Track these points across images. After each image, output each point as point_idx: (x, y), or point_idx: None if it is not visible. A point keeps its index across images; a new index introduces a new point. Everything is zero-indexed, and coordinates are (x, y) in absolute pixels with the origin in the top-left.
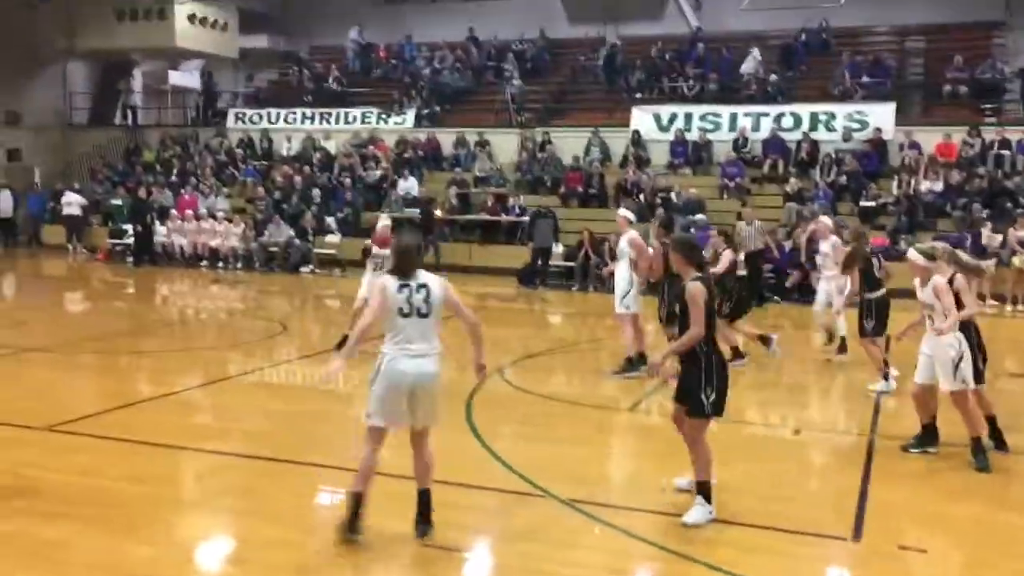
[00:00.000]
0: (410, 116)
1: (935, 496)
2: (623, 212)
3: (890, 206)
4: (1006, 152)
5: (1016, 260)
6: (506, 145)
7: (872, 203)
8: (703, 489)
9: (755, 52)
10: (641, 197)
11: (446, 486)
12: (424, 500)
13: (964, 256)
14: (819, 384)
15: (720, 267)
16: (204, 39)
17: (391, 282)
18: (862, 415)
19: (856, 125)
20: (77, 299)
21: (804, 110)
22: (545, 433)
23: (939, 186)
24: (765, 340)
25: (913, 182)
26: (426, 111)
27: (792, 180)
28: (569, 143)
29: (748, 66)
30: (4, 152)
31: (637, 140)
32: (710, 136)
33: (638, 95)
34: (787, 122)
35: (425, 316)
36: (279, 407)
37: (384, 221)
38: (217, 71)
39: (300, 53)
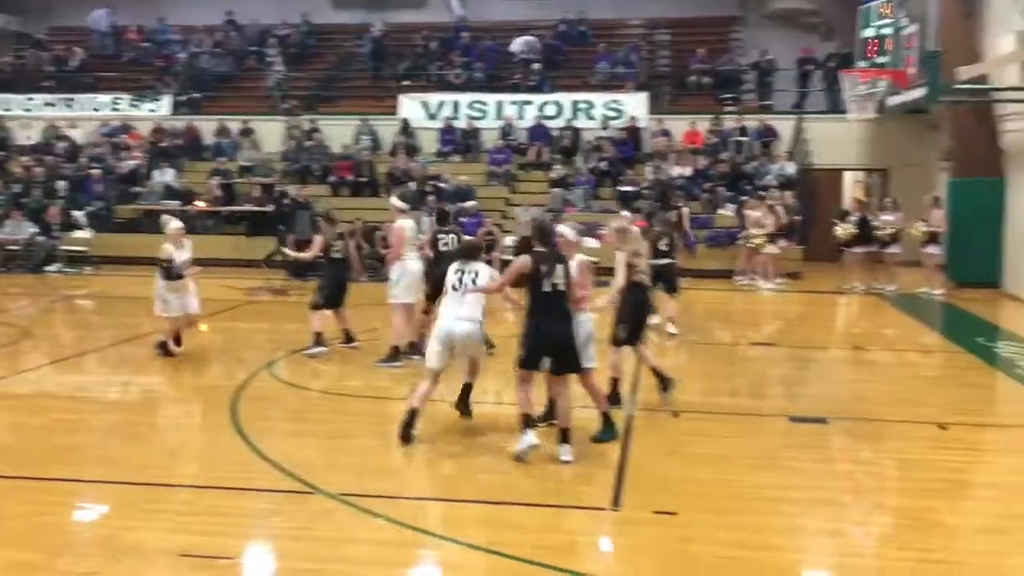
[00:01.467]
0: (166, 103)
1: (686, 462)
2: (394, 201)
3: (645, 190)
4: (744, 139)
5: (756, 239)
6: (271, 133)
7: (629, 188)
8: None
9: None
10: (412, 185)
11: (209, 491)
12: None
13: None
14: None
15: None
16: None
17: None
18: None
19: (613, 114)
20: None
21: (565, 99)
22: (316, 428)
23: (688, 171)
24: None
25: (664, 167)
26: (183, 97)
27: (556, 167)
28: (337, 131)
29: (517, 46)
30: None
31: (406, 128)
32: (477, 124)
33: (405, 83)
34: (550, 110)
35: None
36: (25, 420)
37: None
38: None
39: (38, 34)
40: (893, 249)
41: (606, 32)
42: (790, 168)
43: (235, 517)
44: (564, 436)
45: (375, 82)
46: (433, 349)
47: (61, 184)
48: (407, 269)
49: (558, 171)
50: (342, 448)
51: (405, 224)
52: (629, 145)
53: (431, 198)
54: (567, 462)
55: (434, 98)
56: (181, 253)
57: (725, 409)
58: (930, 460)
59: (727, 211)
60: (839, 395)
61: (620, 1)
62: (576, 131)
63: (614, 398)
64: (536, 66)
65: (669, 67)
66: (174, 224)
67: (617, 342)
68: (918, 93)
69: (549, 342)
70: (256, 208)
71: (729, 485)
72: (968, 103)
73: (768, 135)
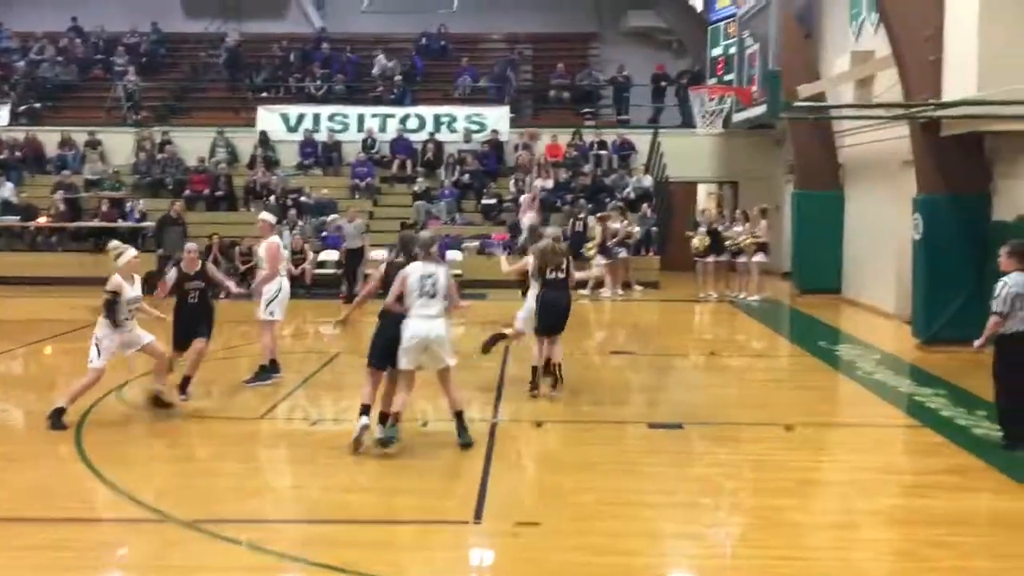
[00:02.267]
0: (3, 113)
1: (548, 471)
2: (265, 216)
3: (507, 203)
4: (604, 152)
5: (590, 250)
6: (120, 145)
7: (492, 200)
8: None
9: (381, 57)
10: (272, 198)
11: (51, 524)
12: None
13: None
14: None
15: None
16: None
17: None
18: (484, 400)
19: (475, 127)
20: None
21: (428, 112)
22: (167, 453)
23: (550, 184)
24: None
25: (528, 180)
26: (23, 107)
27: (420, 180)
28: (192, 143)
29: (376, 68)
30: None
31: (265, 140)
32: (339, 137)
33: (264, 94)
34: (412, 123)
35: None
36: None
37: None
38: None
39: None
40: (758, 258)
41: (468, 46)
42: (647, 181)
43: (79, 551)
44: (383, 419)
45: (232, 93)
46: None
47: None
48: (283, 287)
49: (421, 184)
50: (195, 472)
51: (277, 240)
52: (492, 158)
53: (292, 212)
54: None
55: (294, 110)
56: (132, 289)
57: (586, 417)
58: (779, 460)
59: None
60: (695, 401)
61: (481, 16)
62: (439, 144)
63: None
64: (398, 79)
65: (531, 82)
66: (129, 253)
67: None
68: (761, 110)
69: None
70: (104, 224)
71: (590, 493)
72: (808, 119)
73: (626, 149)
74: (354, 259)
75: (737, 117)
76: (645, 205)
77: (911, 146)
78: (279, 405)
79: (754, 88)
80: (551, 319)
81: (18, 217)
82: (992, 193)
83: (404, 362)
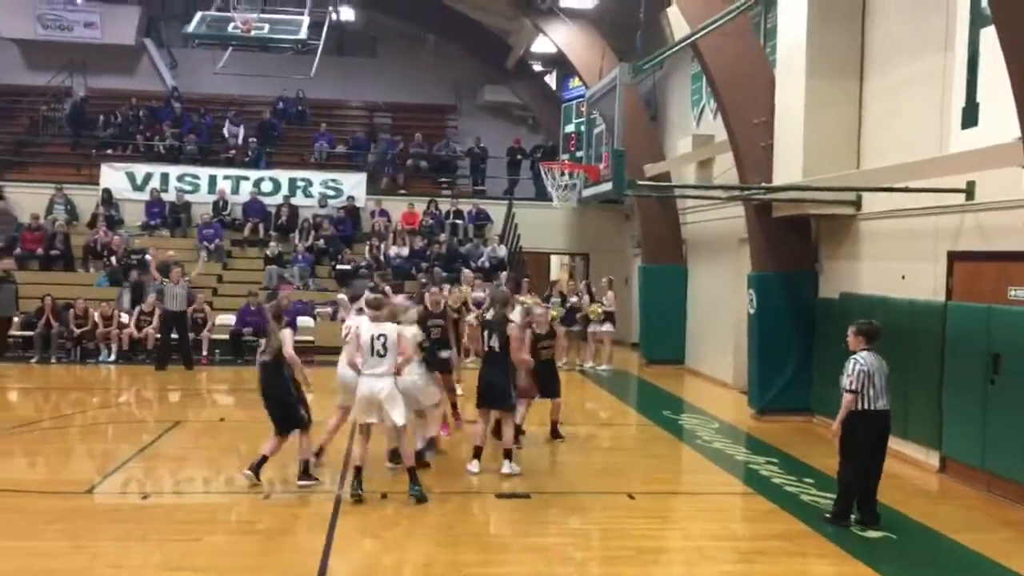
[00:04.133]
0: None
1: (391, 543)
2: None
3: (363, 269)
4: (460, 221)
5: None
6: None
7: (347, 266)
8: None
9: (235, 123)
10: (113, 259)
11: None
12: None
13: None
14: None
15: None
16: None
17: None
18: (330, 471)
19: (331, 192)
20: None
21: (283, 176)
22: None
23: (405, 251)
24: None
25: (383, 247)
26: None
27: (272, 244)
28: (27, 199)
29: (229, 131)
30: None
31: (108, 198)
32: (189, 197)
33: (109, 151)
34: (267, 186)
35: None
36: None
37: None
38: None
39: None
40: (606, 327)
41: (325, 112)
42: (502, 250)
43: None
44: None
45: (75, 149)
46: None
47: None
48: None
49: (274, 248)
50: (15, 552)
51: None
52: (348, 224)
53: (133, 273)
54: None
55: (141, 168)
56: None
57: (433, 488)
58: (622, 528)
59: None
60: (542, 469)
61: (340, 83)
62: (294, 208)
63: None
64: (252, 140)
65: (388, 149)
66: None
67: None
68: (609, 186)
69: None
70: None
71: (437, 565)
72: (651, 197)
73: (482, 218)
74: (181, 321)
75: (587, 192)
76: (502, 273)
77: (747, 225)
78: (109, 477)
79: (603, 165)
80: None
81: None
82: (818, 272)
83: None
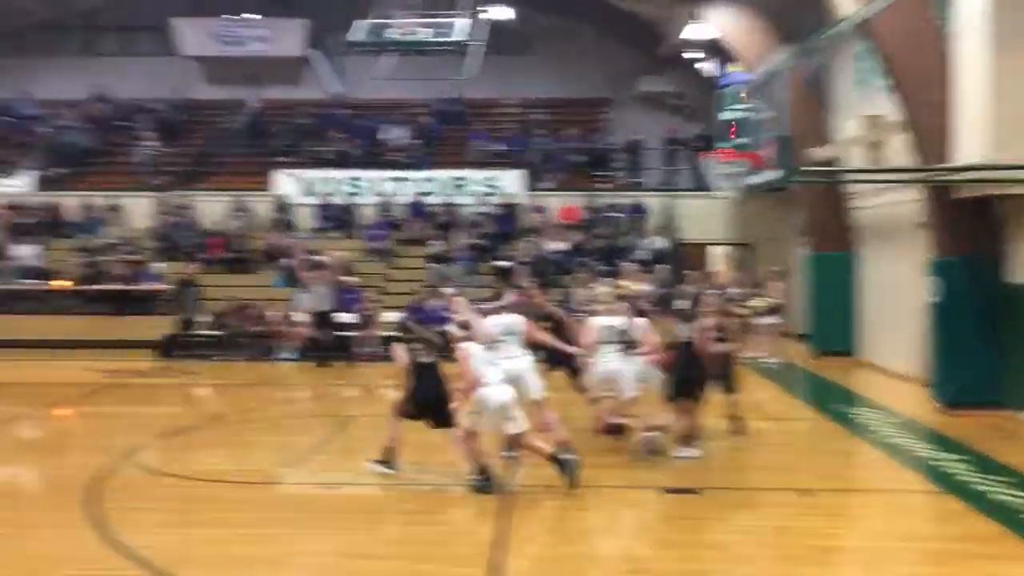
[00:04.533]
0: (26, 178)
1: (564, 538)
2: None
3: (522, 264)
4: (617, 215)
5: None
6: (140, 209)
7: (506, 263)
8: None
9: (392, 127)
10: (288, 262)
11: None
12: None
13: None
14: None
15: None
16: None
17: None
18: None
19: (489, 190)
20: None
21: (443, 176)
22: (185, 517)
23: (564, 246)
24: None
25: (541, 243)
26: (45, 173)
27: (434, 242)
28: (210, 207)
29: (391, 134)
30: None
31: (282, 204)
32: (355, 200)
33: (281, 159)
34: (428, 187)
35: None
36: None
37: None
38: None
39: None
40: (772, 319)
41: (482, 111)
42: (660, 243)
43: None
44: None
45: (250, 158)
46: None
47: None
48: None
49: (436, 247)
50: (215, 538)
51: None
52: (506, 220)
53: (308, 274)
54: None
55: (311, 174)
56: None
57: (598, 482)
58: (797, 526)
59: (602, 285)
60: (710, 464)
61: (495, 82)
62: (453, 207)
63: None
64: (414, 142)
65: (544, 145)
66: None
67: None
68: (775, 174)
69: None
70: (123, 287)
71: (600, 560)
72: (820, 183)
73: (639, 211)
74: (325, 320)
75: (751, 181)
76: (659, 266)
77: (923, 208)
78: (296, 469)
79: (766, 152)
80: None
81: (40, 280)
82: (1004, 255)
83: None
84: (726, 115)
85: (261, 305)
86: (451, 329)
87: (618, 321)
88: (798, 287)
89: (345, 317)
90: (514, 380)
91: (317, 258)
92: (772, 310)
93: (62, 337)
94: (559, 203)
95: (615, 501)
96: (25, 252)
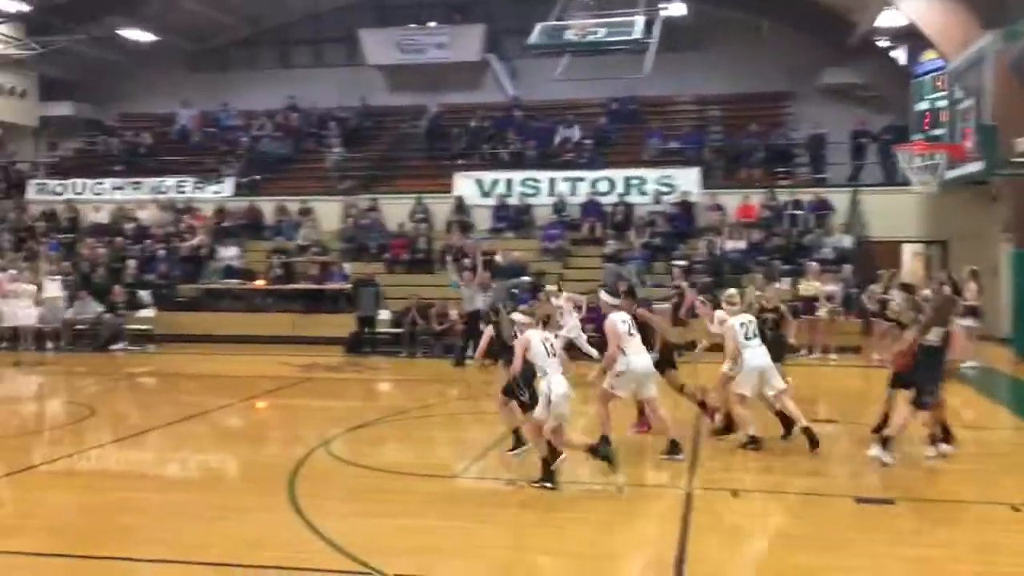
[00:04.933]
0: (228, 184)
1: (746, 544)
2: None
3: (698, 264)
4: (799, 212)
5: (823, 311)
6: (329, 213)
7: (683, 261)
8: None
9: (564, 127)
10: (467, 261)
11: (262, 571)
12: None
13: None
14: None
15: None
16: None
17: None
18: (678, 467)
19: (665, 189)
20: None
21: (617, 175)
22: (374, 507)
23: (742, 244)
24: None
25: (719, 241)
26: (245, 179)
27: (609, 242)
28: (393, 210)
29: (566, 133)
30: None
31: (460, 206)
32: (530, 200)
33: (460, 161)
34: (602, 186)
35: None
36: (88, 498)
37: None
38: (16, 140)
39: (107, 120)
40: (969, 322)
41: (657, 109)
42: (846, 241)
43: None
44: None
45: (430, 161)
46: None
47: (131, 263)
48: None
49: (611, 246)
50: (402, 528)
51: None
52: (682, 219)
53: (486, 274)
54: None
55: (488, 176)
56: None
57: (785, 488)
58: (1008, 544)
59: (782, 284)
60: (907, 474)
61: (670, 79)
62: (629, 206)
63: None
64: (587, 142)
65: (721, 142)
66: None
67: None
68: (976, 166)
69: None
70: (313, 286)
71: (792, 569)
72: None
73: (823, 208)
74: (473, 321)
75: (951, 174)
76: (845, 265)
77: None
78: (478, 463)
79: (967, 143)
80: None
81: (239, 280)
82: None
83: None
84: (921, 105)
85: (442, 304)
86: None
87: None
88: (1001, 287)
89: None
90: None
91: (469, 260)
92: (969, 311)
93: (259, 333)
94: (737, 201)
95: (805, 508)
96: (228, 253)
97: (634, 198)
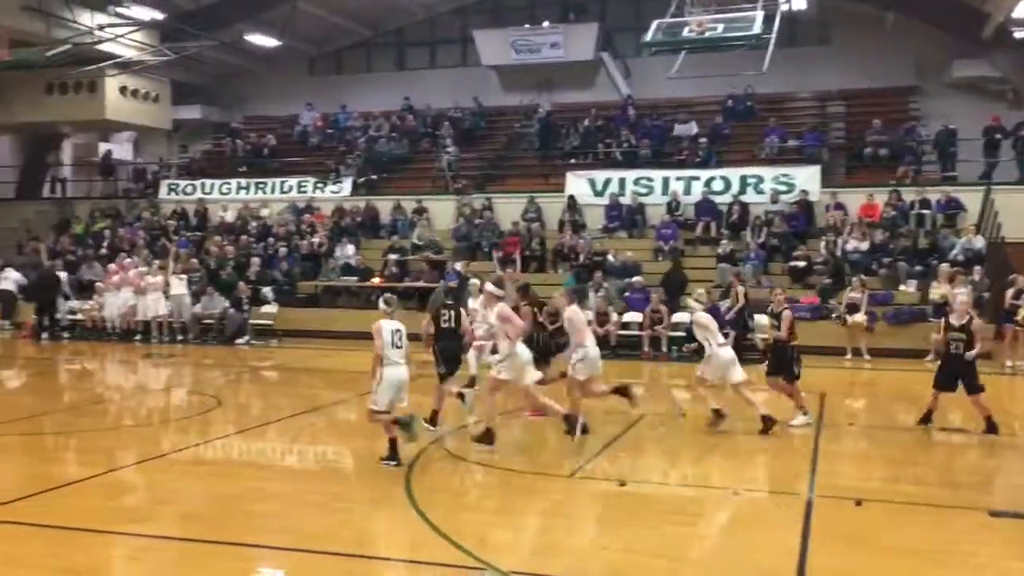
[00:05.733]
0: (347, 184)
1: (870, 553)
2: (490, 288)
3: (818, 265)
4: (926, 211)
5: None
6: (443, 212)
7: (801, 263)
8: None
9: (687, 125)
10: (580, 259)
11: (381, 562)
12: None
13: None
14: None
15: None
16: (135, 111)
17: None
18: (796, 473)
19: (783, 187)
20: (4, 378)
21: (733, 173)
22: (486, 503)
23: (864, 245)
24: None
25: (839, 241)
26: (362, 179)
27: (724, 242)
28: (506, 209)
29: (682, 130)
30: None
31: (572, 204)
32: (643, 200)
33: (572, 160)
34: (717, 185)
35: None
36: (214, 486)
37: None
38: (149, 142)
39: (233, 123)
40: None
41: (775, 106)
42: (978, 242)
43: None
44: None
45: (542, 160)
46: None
47: (255, 261)
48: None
49: (726, 246)
50: (510, 524)
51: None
52: (801, 219)
53: (598, 274)
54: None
55: (600, 175)
56: None
57: (911, 498)
58: None
59: (909, 287)
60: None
61: (790, 75)
62: (744, 206)
63: None
64: (702, 141)
65: (843, 139)
66: None
67: None
68: None
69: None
70: (426, 284)
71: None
72: None
73: (953, 207)
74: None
75: None
76: (976, 268)
77: None
78: (589, 463)
79: None
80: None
81: (356, 278)
82: None
83: None
84: None
85: (554, 303)
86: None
87: None
88: None
89: (633, 317)
90: None
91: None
92: None
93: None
94: (859, 200)
95: (934, 520)
96: (345, 252)
97: (750, 197)
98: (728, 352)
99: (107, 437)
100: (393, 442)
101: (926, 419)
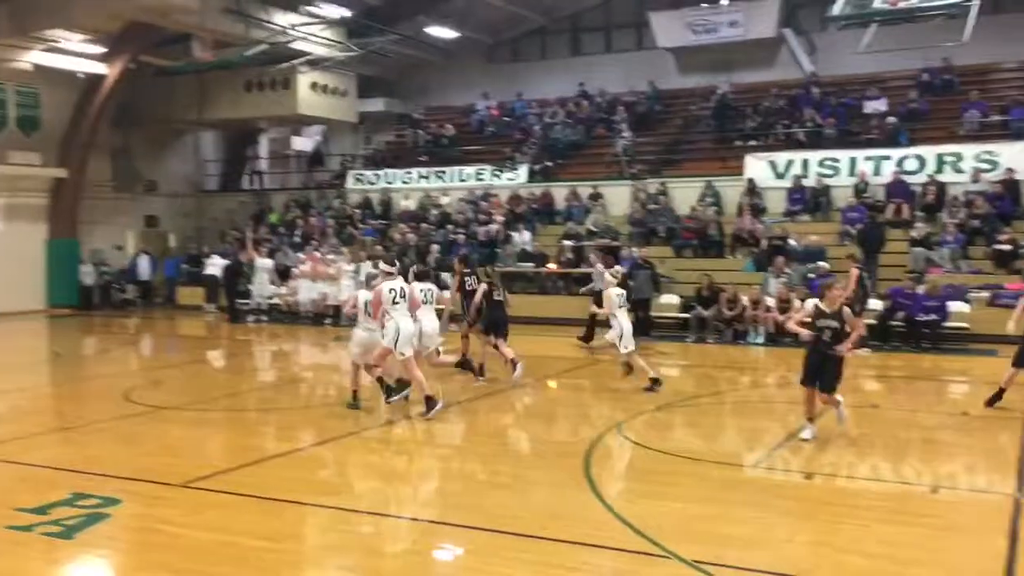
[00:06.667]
0: (523, 171)
1: None
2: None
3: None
4: None
5: None
6: (618, 197)
7: (1007, 247)
8: None
9: (877, 101)
10: (760, 244)
11: (564, 545)
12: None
13: None
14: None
15: None
16: (325, 105)
17: None
18: (997, 467)
19: (986, 166)
20: (208, 358)
21: (929, 152)
22: (666, 490)
23: None
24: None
25: None
26: (538, 166)
27: (918, 225)
28: (682, 193)
29: (872, 107)
30: (143, 218)
31: (752, 188)
32: (828, 181)
33: (751, 143)
34: (910, 164)
35: None
36: (398, 463)
37: None
38: (338, 135)
39: (415, 114)
40: None
41: (976, 79)
42: None
43: (587, 574)
44: None
45: (720, 143)
46: None
47: (435, 248)
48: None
49: (920, 229)
50: (691, 513)
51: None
52: (1006, 199)
53: (779, 259)
54: None
55: (782, 157)
56: None
57: None
58: None
59: None
60: None
61: (994, 44)
62: (941, 186)
63: None
64: (892, 119)
65: None
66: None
67: None
68: None
69: None
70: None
71: None
72: None
73: None
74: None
75: None
76: None
77: None
78: (771, 454)
79: None
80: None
81: (532, 264)
82: None
83: None
84: None
85: (733, 289)
86: None
87: None
88: None
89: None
90: None
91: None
92: None
93: (551, 315)
94: None
95: None
96: (522, 238)
97: (948, 176)
98: None
99: (303, 415)
100: (401, 382)
101: None
